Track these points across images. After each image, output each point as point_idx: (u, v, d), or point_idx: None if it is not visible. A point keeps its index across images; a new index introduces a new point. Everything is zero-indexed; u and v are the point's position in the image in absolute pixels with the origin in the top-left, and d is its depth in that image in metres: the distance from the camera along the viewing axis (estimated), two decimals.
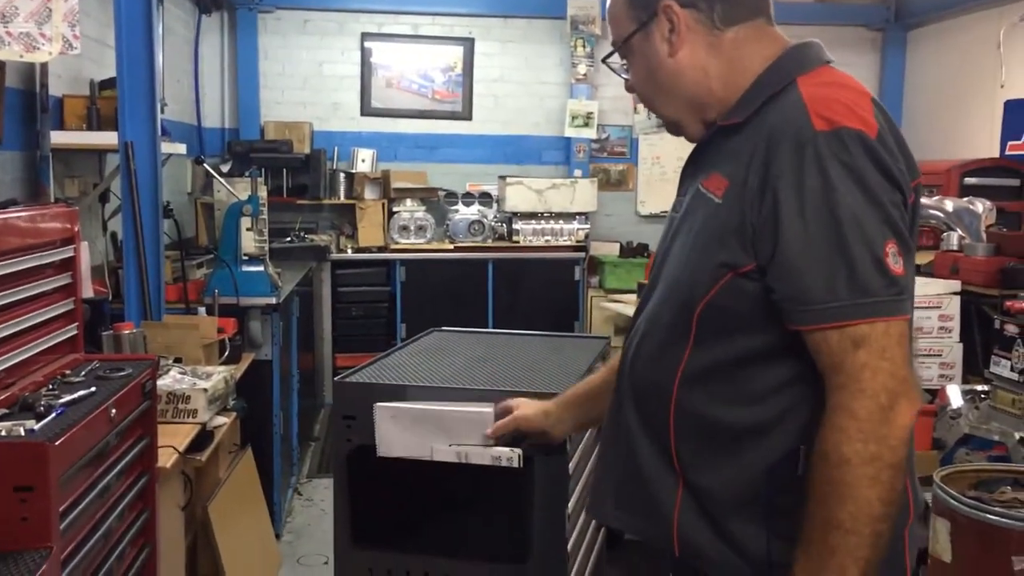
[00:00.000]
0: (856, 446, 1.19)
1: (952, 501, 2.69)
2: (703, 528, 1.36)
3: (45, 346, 2.08)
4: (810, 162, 1.23)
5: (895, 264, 1.22)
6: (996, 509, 2.62)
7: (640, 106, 7.13)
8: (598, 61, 7.01)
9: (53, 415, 1.80)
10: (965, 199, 5.23)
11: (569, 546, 2.02)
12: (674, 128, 1.49)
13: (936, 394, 3.87)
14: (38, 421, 1.76)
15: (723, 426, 1.34)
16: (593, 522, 2.43)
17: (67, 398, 1.90)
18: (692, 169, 1.48)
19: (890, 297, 1.22)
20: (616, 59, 1.51)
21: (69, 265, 2.20)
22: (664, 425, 1.38)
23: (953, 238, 4.97)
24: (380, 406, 1.90)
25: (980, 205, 5.08)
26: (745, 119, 1.35)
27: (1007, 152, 5.85)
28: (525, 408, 1.80)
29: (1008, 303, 3.58)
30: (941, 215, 5.05)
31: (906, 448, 1.22)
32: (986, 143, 6.11)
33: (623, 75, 1.52)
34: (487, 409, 1.82)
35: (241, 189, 4.08)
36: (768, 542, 1.32)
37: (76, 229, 2.23)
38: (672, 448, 1.38)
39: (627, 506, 1.46)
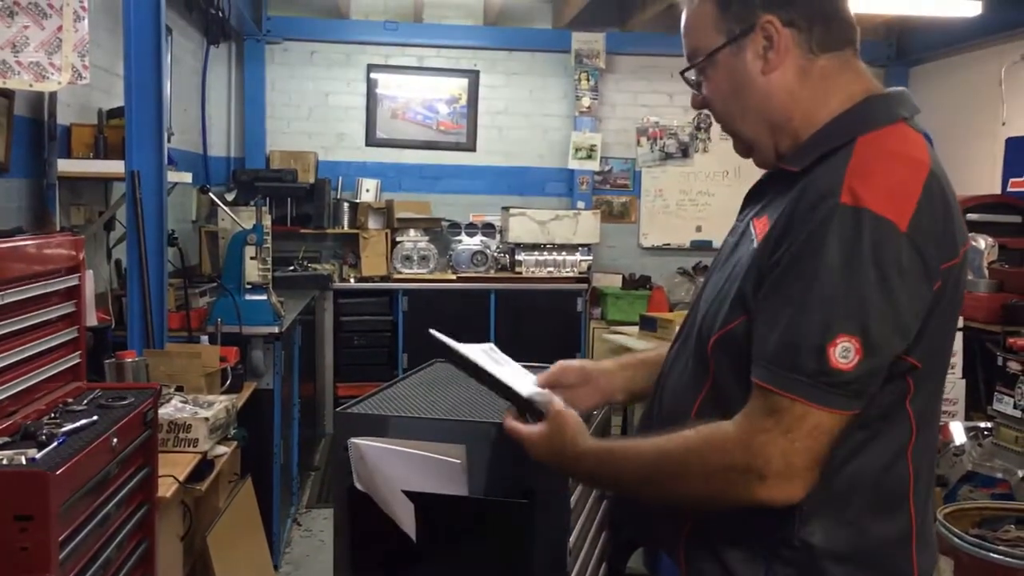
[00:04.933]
0: (713, 468, 1.25)
1: (956, 540, 2.67)
2: (708, 559, 1.37)
3: (48, 374, 2.08)
4: (816, 227, 1.20)
5: (841, 359, 1.18)
6: (1000, 548, 2.61)
7: (643, 139, 7.18)
8: (602, 94, 7.08)
9: (55, 444, 1.80)
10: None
11: None
12: (746, 150, 1.43)
13: (939, 431, 3.86)
14: (39, 450, 1.76)
15: None
16: (595, 557, 2.42)
17: (69, 427, 1.90)
18: (754, 199, 1.44)
19: (819, 386, 1.18)
20: (692, 72, 1.42)
21: (74, 293, 2.20)
22: None
23: None
24: (354, 442, 1.89)
25: (982, 241, 5.08)
26: (800, 169, 1.30)
27: (1009, 189, 5.88)
28: (565, 362, 1.68)
29: (1011, 340, 3.58)
30: None
31: (758, 512, 1.25)
32: (988, 180, 6.13)
33: (697, 90, 1.43)
34: (457, 461, 1.81)
35: (245, 218, 4.09)
36: None
37: (81, 257, 2.23)
38: None
39: (647, 526, 1.51)
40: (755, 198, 1.44)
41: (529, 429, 1.47)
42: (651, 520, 1.50)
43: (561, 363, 1.66)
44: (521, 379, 1.64)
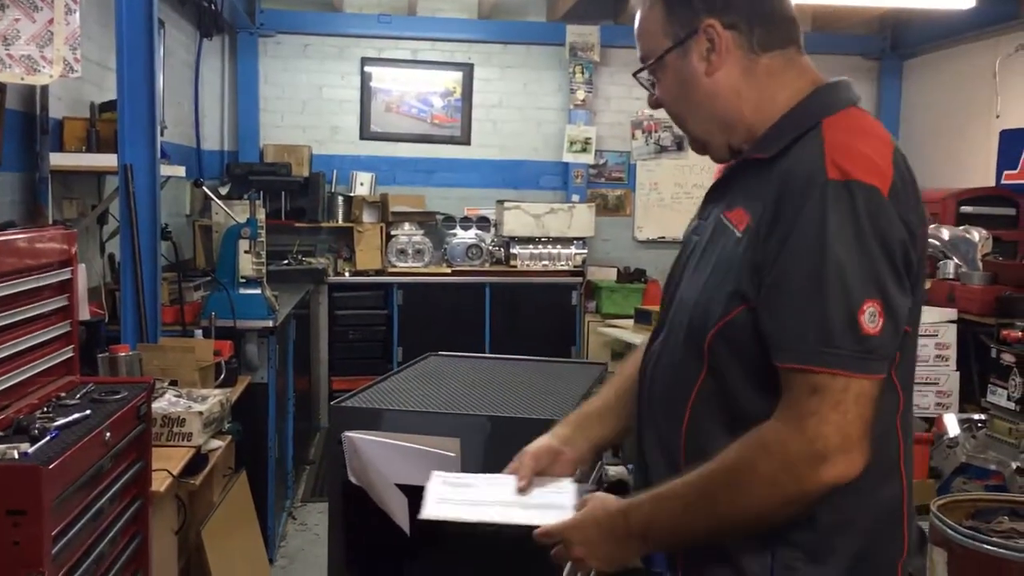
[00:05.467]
0: (772, 469, 1.23)
1: (949, 531, 2.68)
2: (707, 549, 1.36)
3: (40, 368, 2.07)
4: (812, 207, 1.24)
5: (870, 324, 1.22)
6: (993, 540, 2.61)
7: (638, 132, 7.17)
8: (596, 87, 7.07)
9: (47, 438, 1.79)
10: (961, 228, 5.25)
11: (564, 574, 2.00)
12: (700, 147, 1.48)
13: (933, 423, 3.87)
14: (32, 444, 1.75)
15: None
16: None
17: (61, 421, 1.89)
18: (717, 195, 1.48)
19: (856, 355, 1.22)
20: (645, 74, 1.49)
21: (66, 287, 2.20)
22: (676, 446, 1.40)
23: (949, 266, 4.98)
24: (347, 436, 1.89)
25: (976, 234, 5.10)
26: (771, 157, 1.34)
27: (1003, 181, 5.89)
28: (531, 448, 1.61)
29: (1004, 332, 3.59)
30: (937, 244, 5.07)
31: (816, 502, 1.25)
32: (982, 172, 6.14)
33: (651, 90, 1.50)
34: (452, 454, 1.80)
35: (239, 212, 4.08)
36: (772, 571, 1.33)
37: (73, 251, 2.23)
38: (681, 469, 1.38)
39: None
40: (717, 194, 1.48)
41: (565, 520, 1.41)
42: None
43: (528, 451, 1.59)
44: (513, 497, 1.51)
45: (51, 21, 2.78)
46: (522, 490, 1.52)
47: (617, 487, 2.58)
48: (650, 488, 1.38)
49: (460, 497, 1.50)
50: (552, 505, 1.47)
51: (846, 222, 1.22)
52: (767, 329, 1.27)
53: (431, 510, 1.47)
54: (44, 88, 3.44)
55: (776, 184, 1.29)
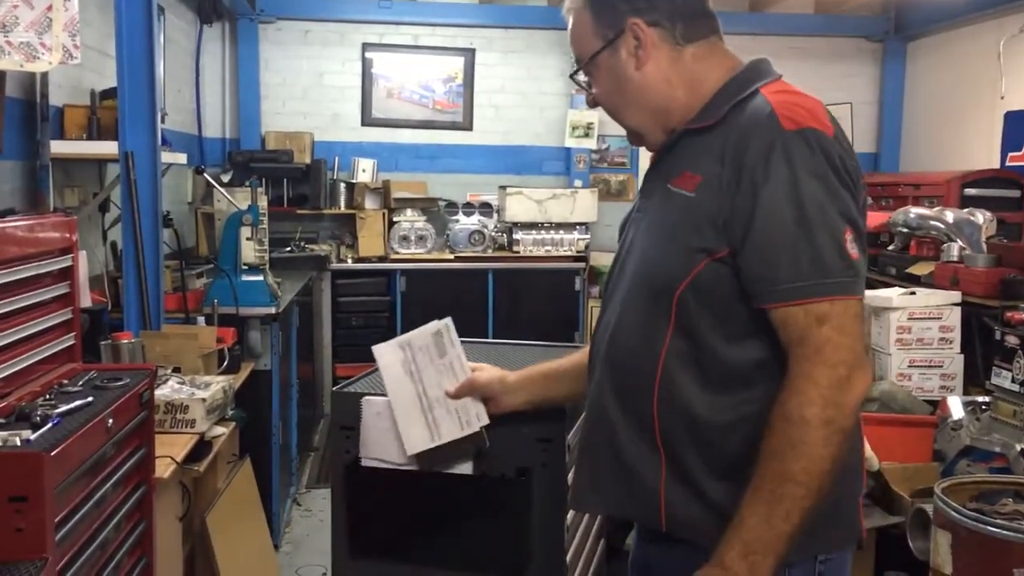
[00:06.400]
0: (816, 410, 1.30)
1: (953, 513, 2.68)
2: (691, 502, 1.43)
3: (42, 356, 2.07)
4: (779, 157, 1.34)
5: (852, 249, 1.35)
6: (997, 521, 2.61)
7: None
8: None
9: (49, 425, 1.80)
10: (965, 210, 5.22)
11: (568, 557, 2.00)
12: (636, 138, 1.58)
13: (937, 405, 3.86)
14: (34, 431, 1.76)
15: (705, 405, 1.41)
16: (592, 533, 2.42)
17: (64, 408, 1.89)
18: (655, 174, 1.56)
19: (848, 278, 1.34)
20: (582, 75, 1.60)
21: (67, 275, 2.20)
22: (647, 406, 1.45)
23: (954, 249, 4.95)
24: (368, 400, 1.90)
25: (980, 216, 5.06)
26: (715, 122, 1.44)
27: (1007, 163, 5.86)
28: (481, 372, 1.81)
29: (1008, 314, 3.57)
30: (941, 226, 5.04)
31: (857, 415, 1.35)
32: (986, 154, 6.11)
33: (588, 90, 1.59)
34: (444, 320, 1.83)
35: (241, 199, 4.07)
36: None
37: (74, 239, 2.22)
38: (656, 428, 1.44)
39: (611, 489, 1.53)
40: (654, 174, 1.56)
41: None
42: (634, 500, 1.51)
43: (480, 379, 1.79)
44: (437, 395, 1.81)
45: (50, 8, 2.77)
46: (449, 395, 1.77)
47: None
48: (613, 442, 1.48)
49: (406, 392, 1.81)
50: (456, 423, 1.77)
51: (812, 164, 1.34)
52: (756, 274, 1.35)
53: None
54: (44, 75, 3.43)
55: (729, 143, 1.39)
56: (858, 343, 1.34)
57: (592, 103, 1.60)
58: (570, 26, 1.58)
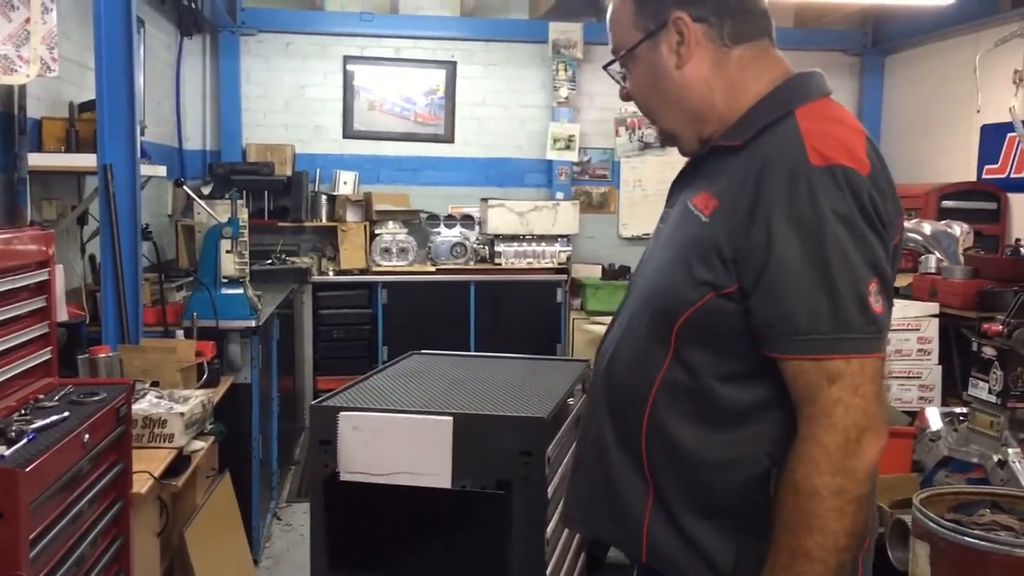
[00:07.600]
0: (825, 479, 1.22)
1: (932, 524, 2.69)
2: (672, 536, 1.37)
3: (18, 370, 2.05)
4: (803, 194, 1.23)
5: (876, 303, 1.24)
6: (975, 532, 2.63)
7: (622, 129, 7.18)
8: (580, 84, 7.07)
9: (24, 440, 1.78)
10: (943, 222, 5.27)
11: (548, 570, 2.00)
12: (670, 139, 1.50)
13: (915, 416, 3.89)
14: (9, 447, 1.74)
15: (694, 439, 1.35)
16: (573, 546, 2.42)
17: (39, 423, 1.87)
18: (682, 184, 1.49)
19: (868, 335, 1.23)
20: (616, 66, 1.50)
21: (44, 288, 2.18)
22: (637, 433, 1.39)
23: (931, 261, 5.00)
24: (345, 415, 1.90)
25: (958, 228, 5.12)
26: (743, 143, 1.35)
27: (984, 176, 5.93)
28: None
29: (985, 326, 3.60)
30: (919, 238, 5.09)
31: (871, 481, 1.26)
32: (963, 167, 6.17)
33: (622, 83, 1.50)
34: (446, 418, 1.82)
35: (221, 211, 4.06)
36: (737, 556, 1.33)
37: (51, 252, 2.21)
38: (643, 456, 1.39)
39: (598, 511, 1.48)
40: (684, 181, 1.49)
41: None
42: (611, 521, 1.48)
43: None
44: None
45: (27, 20, 2.75)
46: None
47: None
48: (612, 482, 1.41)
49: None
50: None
51: (838, 205, 1.23)
52: (767, 319, 1.26)
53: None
54: (22, 88, 3.40)
55: (750, 171, 1.29)
56: (872, 404, 1.23)
57: (625, 96, 1.51)
58: (610, 12, 1.48)
